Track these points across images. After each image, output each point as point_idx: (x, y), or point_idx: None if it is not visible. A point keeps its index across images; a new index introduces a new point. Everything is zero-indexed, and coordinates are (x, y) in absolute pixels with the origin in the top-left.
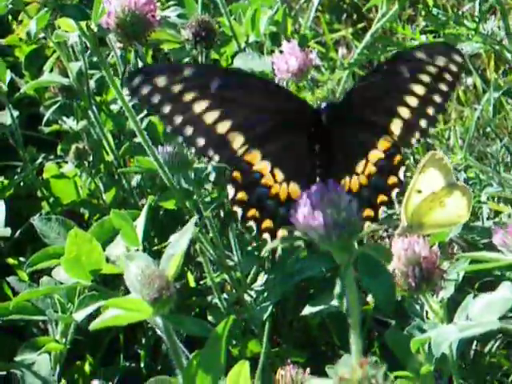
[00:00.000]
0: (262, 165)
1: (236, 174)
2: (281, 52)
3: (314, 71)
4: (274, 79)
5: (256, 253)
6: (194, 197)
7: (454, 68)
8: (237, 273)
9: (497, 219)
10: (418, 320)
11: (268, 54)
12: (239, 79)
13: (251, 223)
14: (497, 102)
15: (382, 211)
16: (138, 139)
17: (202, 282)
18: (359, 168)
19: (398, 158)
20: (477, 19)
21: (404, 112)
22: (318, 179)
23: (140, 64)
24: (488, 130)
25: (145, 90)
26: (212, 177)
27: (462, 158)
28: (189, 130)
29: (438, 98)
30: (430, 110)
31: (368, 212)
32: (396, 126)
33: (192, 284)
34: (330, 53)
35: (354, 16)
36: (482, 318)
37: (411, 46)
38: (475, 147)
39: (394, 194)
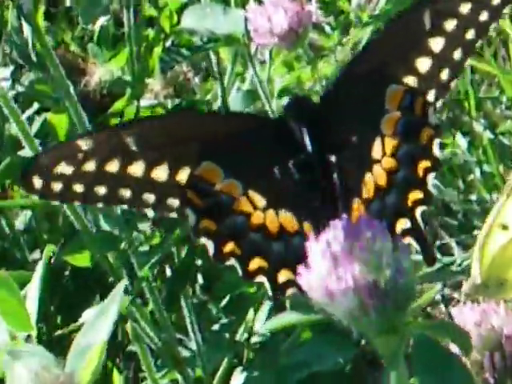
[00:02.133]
0: (227, 184)
1: (191, 194)
2: (260, 2)
3: (313, 32)
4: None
5: (227, 335)
6: (122, 245)
7: None
8: (196, 369)
9: None
10: None
11: (238, 5)
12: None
13: (232, 261)
14: None
15: (420, 215)
16: (26, 151)
17: None
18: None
19: (426, 132)
20: None
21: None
22: (320, 203)
23: (25, 27)
24: None
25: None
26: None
27: None
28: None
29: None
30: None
31: (401, 223)
32: (422, 65)
33: None
34: (338, 2)
35: None
36: None
37: None
38: None
39: (430, 182)
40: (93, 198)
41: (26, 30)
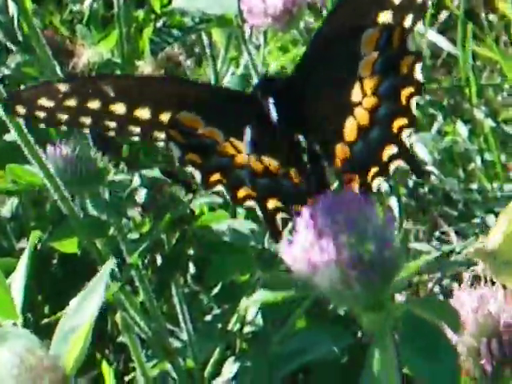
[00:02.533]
0: (208, 130)
1: (173, 133)
2: None
3: (309, 16)
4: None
5: (219, 325)
6: (111, 232)
7: None
8: (187, 360)
9: None
10: None
11: None
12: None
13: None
14: None
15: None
16: (11, 135)
17: (127, 379)
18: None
19: (406, 60)
20: None
21: None
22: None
23: (11, 7)
24: None
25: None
26: (140, 196)
27: None
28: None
29: None
30: None
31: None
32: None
33: (110, 381)
34: None
35: None
36: None
37: None
38: None
39: (413, 106)
40: (78, 125)
41: (12, 9)
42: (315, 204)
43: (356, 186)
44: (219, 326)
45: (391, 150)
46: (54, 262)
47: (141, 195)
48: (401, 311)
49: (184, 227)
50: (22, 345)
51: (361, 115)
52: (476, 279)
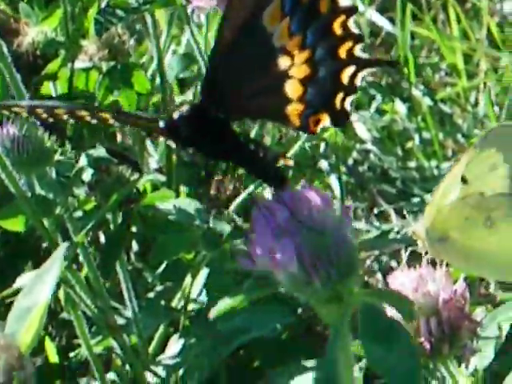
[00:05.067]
0: None
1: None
2: None
3: None
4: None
5: (163, 302)
6: (57, 211)
7: None
8: (132, 336)
9: None
10: None
11: None
12: None
13: None
14: None
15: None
16: None
17: (71, 354)
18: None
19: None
20: None
21: None
22: None
23: None
24: None
25: None
26: (87, 175)
27: None
28: None
29: None
30: None
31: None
32: None
33: (54, 358)
34: None
35: None
36: None
37: None
38: None
39: (351, 25)
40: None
41: None
42: (273, 201)
43: (327, 122)
44: (163, 303)
45: (349, 70)
46: None
47: (87, 175)
48: (358, 302)
49: (130, 206)
50: None
51: (299, 70)
52: (414, 258)
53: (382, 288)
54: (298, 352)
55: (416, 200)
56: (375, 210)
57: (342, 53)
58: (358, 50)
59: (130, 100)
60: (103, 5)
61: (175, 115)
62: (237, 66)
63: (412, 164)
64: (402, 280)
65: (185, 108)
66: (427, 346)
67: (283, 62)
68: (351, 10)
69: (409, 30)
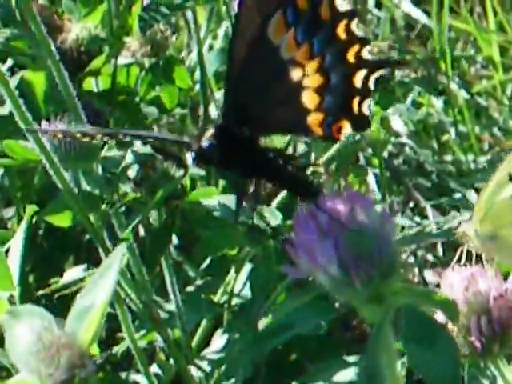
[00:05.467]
0: None
1: None
2: None
3: None
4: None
5: (203, 295)
6: (103, 206)
7: None
8: (175, 330)
9: None
10: None
11: None
12: None
13: None
14: None
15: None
16: (5, 108)
17: (115, 349)
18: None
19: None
20: None
21: None
22: None
23: None
24: None
25: None
26: (133, 172)
27: None
28: None
29: None
30: None
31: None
32: None
33: (95, 351)
34: None
35: None
36: None
37: None
38: None
39: (354, 27)
40: None
41: None
42: (315, 203)
43: (349, 128)
44: (204, 297)
45: (361, 74)
46: (40, 233)
47: (133, 171)
48: (400, 303)
49: (175, 203)
50: (38, 322)
51: (312, 79)
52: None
53: (424, 289)
54: (337, 347)
55: (457, 196)
56: (411, 204)
57: (351, 57)
58: (366, 53)
59: (172, 95)
60: (146, 2)
61: (204, 144)
62: (252, 82)
63: (448, 158)
64: (453, 279)
65: (210, 133)
66: (478, 344)
67: (295, 74)
68: (352, 14)
69: (447, 24)
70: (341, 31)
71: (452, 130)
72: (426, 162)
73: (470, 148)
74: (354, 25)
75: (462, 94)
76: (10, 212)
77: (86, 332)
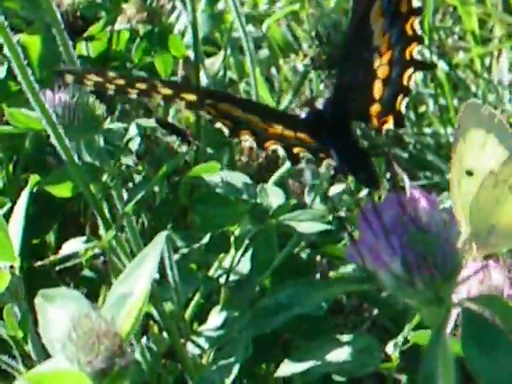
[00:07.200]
0: (246, 115)
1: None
2: None
3: None
4: None
5: (202, 272)
6: (104, 178)
7: None
8: (168, 303)
9: None
10: None
11: None
12: None
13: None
14: None
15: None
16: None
17: None
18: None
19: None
20: None
21: None
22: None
23: None
24: None
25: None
26: (135, 144)
27: None
28: None
29: None
30: None
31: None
32: None
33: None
34: None
35: None
36: None
37: None
38: None
39: (417, 27)
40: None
41: None
42: (379, 202)
43: (391, 123)
44: (202, 274)
45: (409, 72)
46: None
47: (135, 143)
48: (460, 307)
49: (178, 178)
50: (74, 307)
51: (383, 70)
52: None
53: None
54: (330, 330)
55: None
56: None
57: (408, 54)
58: (416, 52)
59: (166, 63)
60: None
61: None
62: (351, 64)
63: (427, 130)
64: (467, 272)
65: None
66: None
67: (376, 62)
68: (419, 11)
69: None
70: (408, 27)
71: (430, 102)
72: (405, 133)
73: (448, 121)
74: (417, 22)
75: (442, 66)
76: None
77: (124, 320)
